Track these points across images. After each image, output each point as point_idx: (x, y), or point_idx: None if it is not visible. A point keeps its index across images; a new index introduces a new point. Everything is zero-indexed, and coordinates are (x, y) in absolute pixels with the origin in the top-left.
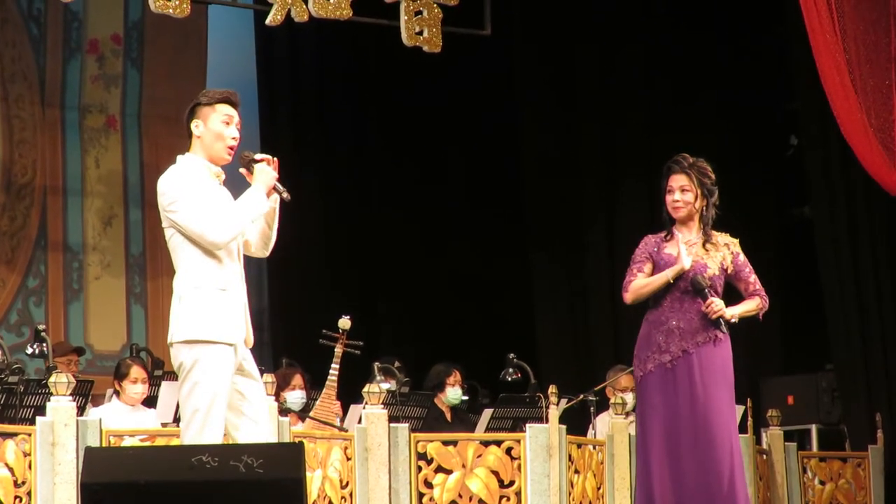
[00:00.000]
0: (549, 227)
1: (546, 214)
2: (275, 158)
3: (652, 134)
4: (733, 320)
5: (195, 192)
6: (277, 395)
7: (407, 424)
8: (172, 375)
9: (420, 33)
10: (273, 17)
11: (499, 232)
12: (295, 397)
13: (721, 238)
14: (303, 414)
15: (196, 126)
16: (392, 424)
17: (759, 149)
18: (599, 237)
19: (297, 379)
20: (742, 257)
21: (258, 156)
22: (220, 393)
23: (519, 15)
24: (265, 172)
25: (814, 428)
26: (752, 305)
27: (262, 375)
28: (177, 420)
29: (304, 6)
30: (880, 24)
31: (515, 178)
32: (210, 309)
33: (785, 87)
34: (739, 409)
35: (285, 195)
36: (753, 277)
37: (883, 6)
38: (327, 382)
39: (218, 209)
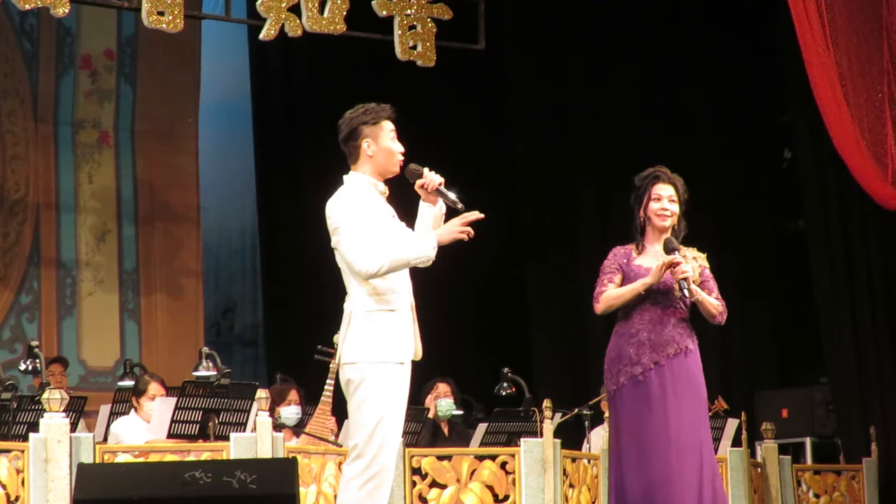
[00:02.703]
0: (543, 241)
1: (540, 228)
2: (442, 178)
3: (645, 146)
4: (694, 297)
5: (359, 218)
6: (272, 411)
7: (401, 439)
8: (168, 392)
9: (414, 48)
10: (267, 32)
11: (493, 246)
12: (290, 413)
13: (689, 252)
14: (297, 429)
15: (368, 146)
16: None
17: (753, 162)
18: (593, 250)
19: (293, 394)
20: (708, 271)
21: (435, 177)
22: (390, 410)
23: (513, 29)
24: (449, 231)
25: (808, 441)
26: (714, 303)
27: (256, 391)
28: (171, 435)
29: (298, 21)
30: (872, 38)
31: (510, 190)
32: (378, 332)
33: (778, 100)
34: (734, 423)
35: (461, 206)
36: (716, 293)
37: (875, 20)
38: (322, 398)
39: (376, 240)
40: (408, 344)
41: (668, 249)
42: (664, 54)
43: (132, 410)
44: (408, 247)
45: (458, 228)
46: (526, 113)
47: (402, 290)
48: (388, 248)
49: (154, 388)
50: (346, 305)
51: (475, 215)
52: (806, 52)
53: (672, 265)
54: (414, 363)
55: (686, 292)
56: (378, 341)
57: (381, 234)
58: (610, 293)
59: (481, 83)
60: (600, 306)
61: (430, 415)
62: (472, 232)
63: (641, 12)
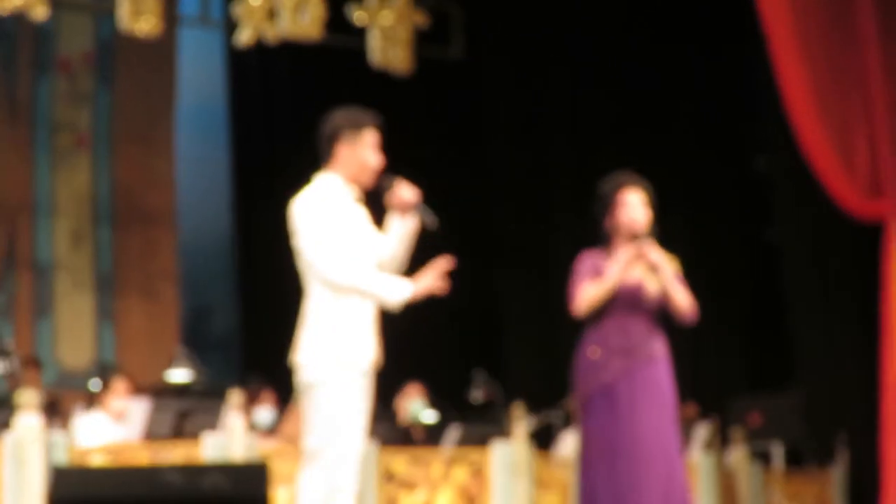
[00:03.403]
0: (518, 246)
1: (515, 232)
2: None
3: (621, 154)
4: (666, 284)
5: (325, 221)
6: (246, 412)
7: (374, 442)
8: (140, 392)
9: (390, 55)
10: (244, 38)
11: (467, 248)
12: (264, 414)
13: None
14: (271, 431)
15: (345, 150)
16: None
17: (727, 169)
18: (568, 255)
19: (267, 396)
20: (679, 276)
21: (408, 192)
22: (346, 414)
23: (490, 38)
24: (425, 286)
25: (779, 447)
26: (686, 298)
27: (230, 393)
28: (145, 437)
29: (275, 27)
30: (846, 47)
31: (484, 194)
32: (336, 336)
33: (752, 109)
34: (704, 428)
35: (433, 223)
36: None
37: (849, 28)
38: (296, 400)
39: (350, 252)
40: (366, 350)
41: (635, 238)
42: (640, 65)
43: (97, 407)
44: (382, 285)
45: (433, 284)
46: (502, 119)
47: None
48: (364, 271)
49: (120, 383)
50: (305, 307)
51: (447, 264)
52: (778, 61)
53: (640, 255)
54: (381, 368)
55: (663, 274)
56: (335, 345)
57: (350, 243)
58: (588, 289)
59: (458, 90)
60: (581, 304)
61: (401, 417)
62: (447, 286)
63: (619, 21)
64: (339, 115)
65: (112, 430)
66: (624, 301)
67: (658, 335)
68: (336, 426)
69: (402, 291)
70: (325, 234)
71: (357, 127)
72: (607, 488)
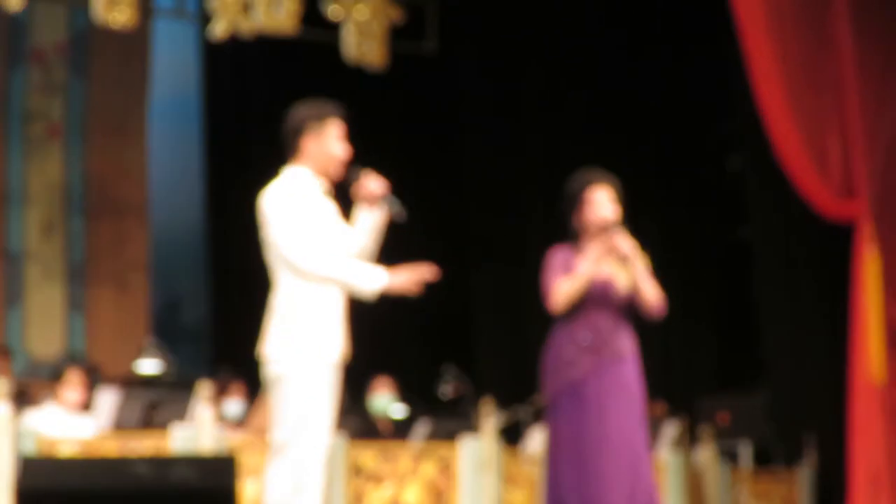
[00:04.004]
0: (489, 240)
1: (486, 227)
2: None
3: (595, 152)
4: (636, 277)
5: (296, 212)
6: (215, 404)
7: (343, 435)
8: (109, 383)
9: (364, 49)
10: (219, 31)
11: (440, 244)
12: (234, 406)
13: None
14: (240, 423)
15: (310, 143)
16: None
17: (699, 168)
18: (538, 249)
19: (236, 388)
20: (649, 272)
21: (377, 183)
22: (314, 407)
23: (465, 33)
24: (404, 282)
25: (747, 446)
26: (655, 291)
27: (200, 384)
28: (114, 427)
29: (250, 20)
30: (820, 48)
31: (455, 191)
32: (304, 329)
33: (723, 108)
34: (673, 426)
35: (401, 214)
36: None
37: (823, 29)
38: (265, 392)
39: (317, 240)
40: (335, 343)
41: (606, 229)
42: (613, 63)
43: (51, 400)
44: (357, 273)
45: (411, 282)
46: (476, 115)
47: (334, 290)
48: (338, 260)
49: (74, 375)
50: (273, 300)
51: (431, 273)
52: (751, 60)
53: (611, 247)
54: (351, 361)
55: (634, 264)
56: (303, 338)
57: (320, 234)
58: (563, 284)
59: (432, 85)
60: (559, 298)
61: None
62: (421, 290)
63: (595, 20)
64: (302, 109)
65: (70, 423)
66: (593, 297)
67: (627, 332)
68: (303, 419)
69: (376, 280)
70: (296, 225)
71: (321, 119)
72: (574, 485)
